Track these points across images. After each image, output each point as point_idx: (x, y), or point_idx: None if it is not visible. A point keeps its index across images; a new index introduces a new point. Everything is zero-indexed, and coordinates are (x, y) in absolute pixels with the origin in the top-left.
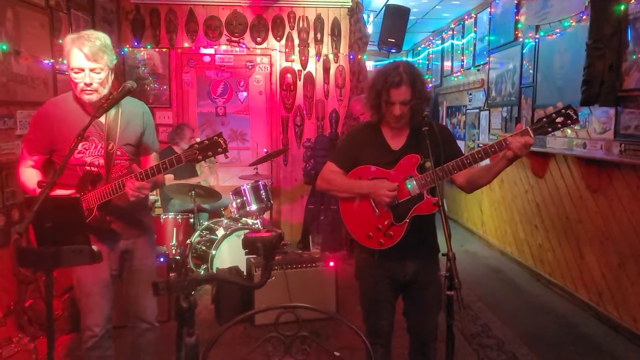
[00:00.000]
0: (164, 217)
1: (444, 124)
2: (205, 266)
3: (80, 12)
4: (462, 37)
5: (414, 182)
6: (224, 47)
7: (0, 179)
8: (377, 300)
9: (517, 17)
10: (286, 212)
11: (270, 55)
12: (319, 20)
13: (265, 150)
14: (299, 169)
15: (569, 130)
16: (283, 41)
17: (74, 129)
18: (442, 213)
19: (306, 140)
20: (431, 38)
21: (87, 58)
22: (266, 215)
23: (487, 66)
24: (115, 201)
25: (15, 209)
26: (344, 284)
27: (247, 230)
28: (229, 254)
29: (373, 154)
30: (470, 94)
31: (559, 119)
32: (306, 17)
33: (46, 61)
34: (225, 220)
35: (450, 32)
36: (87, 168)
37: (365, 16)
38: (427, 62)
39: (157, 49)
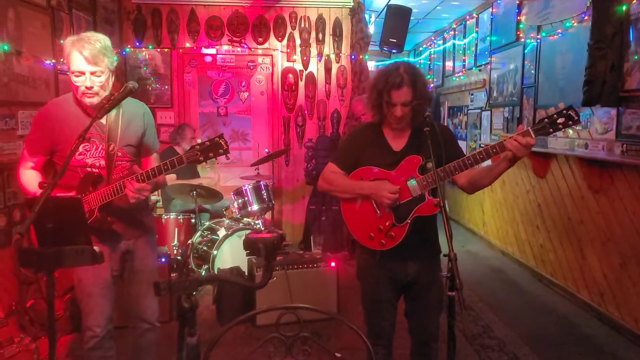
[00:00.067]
0: (165, 217)
1: (445, 124)
2: (206, 266)
3: (81, 12)
4: (464, 37)
5: (415, 183)
6: (225, 47)
7: (1, 179)
8: (379, 300)
9: (518, 18)
10: (287, 212)
11: (271, 55)
12: (320, 20)
13: (266, 150)
14: (300, 169)
15: (570, 131)
16: (285, 41)
17: (76, 130)
18: (444, 214)
19: (308, 140)
20: (433, 38)
21: (88, 61)
22: (267, 216)
23: (489, 66)
24: (116, 202)
25: (17, 209)
26: (345, 284)
27: (249, 231)
28: (231, 254)
29: (374, 155)
30: (472, 94)
31: (560, 120)
32: (308, 17)
33: (48, 61)
34: (227, 221)
35: (452, 32)
36: (88, 169)
37: (366, 16)
38: (429, 62)
39: (158, 49)
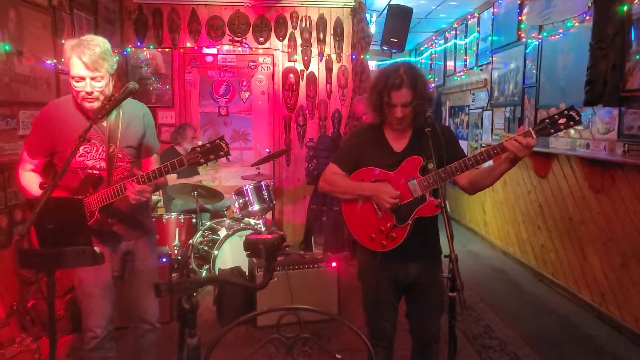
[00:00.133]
0: (166, 217)
1: (447, 123)
2: (207, 266)
3: (83, 12)
4: (465, 36)
5: (416, 184)
6: (226, 47)
7: (2, 179)
8: (380, 302)
9: (520, 17)
10: (288, 212)
11: (272, 55)
12: (321, 20)
13: (267, 150)
14: (301, 169)
15: (572, 131)
16: (285, 41)
17: (76, 131)
18: (445, 214)
19: (309, 140)
20: (434, 38)
21: (87, 67)
22: (268, 216)
23: (490, 66)
24: (117, 204)
25: (18, 210)
26: (346, 285)
27: (250, 231)
28: (231, 254)
29: (375, 156)
30: (473, 94)
31: (561, 120)
32: (309, 17)
33: (49, 61)
34: (228, 221)
35: (453, 32)
36: (89, 171)
37: (367, 16)
38: (430, 62)
39: (159, 49)
